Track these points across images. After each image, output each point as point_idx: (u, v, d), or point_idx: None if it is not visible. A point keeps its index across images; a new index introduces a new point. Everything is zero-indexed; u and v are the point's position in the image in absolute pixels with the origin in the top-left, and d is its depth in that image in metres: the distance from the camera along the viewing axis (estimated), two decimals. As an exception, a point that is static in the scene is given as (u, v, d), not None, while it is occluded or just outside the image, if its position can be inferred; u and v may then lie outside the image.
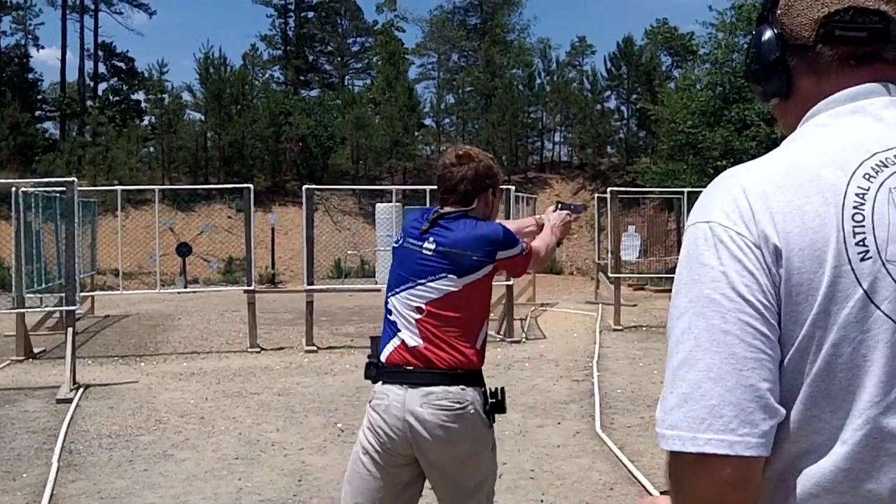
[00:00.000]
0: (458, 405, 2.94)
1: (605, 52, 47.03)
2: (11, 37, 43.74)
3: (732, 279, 1.12)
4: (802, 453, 1.13)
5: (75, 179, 9.97)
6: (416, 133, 35.90)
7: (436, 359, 2.98)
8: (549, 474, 5.88)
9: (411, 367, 3.00)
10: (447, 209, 3.16)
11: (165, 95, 34.55)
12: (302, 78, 46.21)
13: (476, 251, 3.05)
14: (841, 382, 1.11)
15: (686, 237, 1.21)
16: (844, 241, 1.11)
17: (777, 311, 1.12)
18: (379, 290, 18.34)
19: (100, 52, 43.42)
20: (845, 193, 1.13)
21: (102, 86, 43.61)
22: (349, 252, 26.33)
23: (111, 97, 41.22)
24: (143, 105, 39.43)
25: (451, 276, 3.04)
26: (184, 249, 23.27)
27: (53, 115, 42.75)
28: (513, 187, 13.57)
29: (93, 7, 43.51)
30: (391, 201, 22.55)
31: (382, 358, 3.05)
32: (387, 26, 44.40)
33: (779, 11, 1.29)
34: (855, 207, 1.12)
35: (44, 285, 13.43)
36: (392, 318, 3.10)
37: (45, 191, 13.76)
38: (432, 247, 3.08)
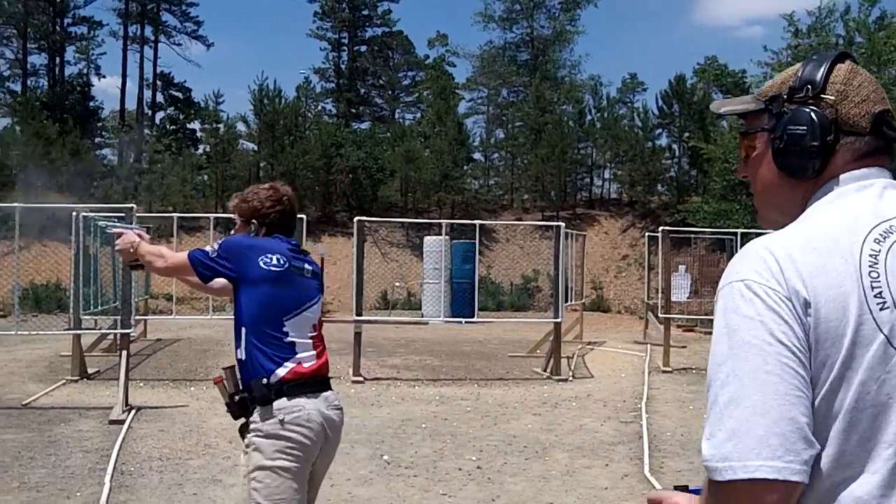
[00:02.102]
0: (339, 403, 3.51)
1: (657, 89, 46.99)
2: (75, 66, 44.86)
3: (770, 327, 1.28)
4: (836, 484, 1.28)
5: (134, 206, 10.19)
6: (465, 167, 36.01)
7: (323, 368, 3.48)
8: (595, 513, 5.85)
9: (308, 379, 3.37)
10: (295, 240, 3.61)
11: (220, 125, 35.09)
12: (353, 111, 46.73)
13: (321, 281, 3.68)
14: (868, 418, 1.27)
15: (721, 296, 1.37)
16: (865, 295, 1.29)
17: (808, 356, 1.28)
18: (426, 324, 18.47)
19: (158, 82, 44.34)
20: (860, 254, 1.32)
21: (160, 115, 44.50)
22: (396, 284, 26.46)
23: (168, 126, 41.97)
24: (198, 134, 40.09)
25: (320, 295, 3.63)
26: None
27: (112, 143, 43.61)
28: (562, 224, 13.55)
29: (152, 38, 44.50)
30: (439, 234, 22.68)
31: (273, 378, 3.31)
32: (438, 61, 44.75)
33: (830, 98, 1.46)
34: (870, 266, 1.31)
35: (99, 308, 13.67)
36: (288, 339, 3.38)
37: (104, 216, 14.05)
38: (310, 268, 3.56)
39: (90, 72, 45.03)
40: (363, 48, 48.27)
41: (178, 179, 31.86)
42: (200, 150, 37.93)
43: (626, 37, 75.60)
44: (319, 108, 44.45)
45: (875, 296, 1.29)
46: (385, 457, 7.45)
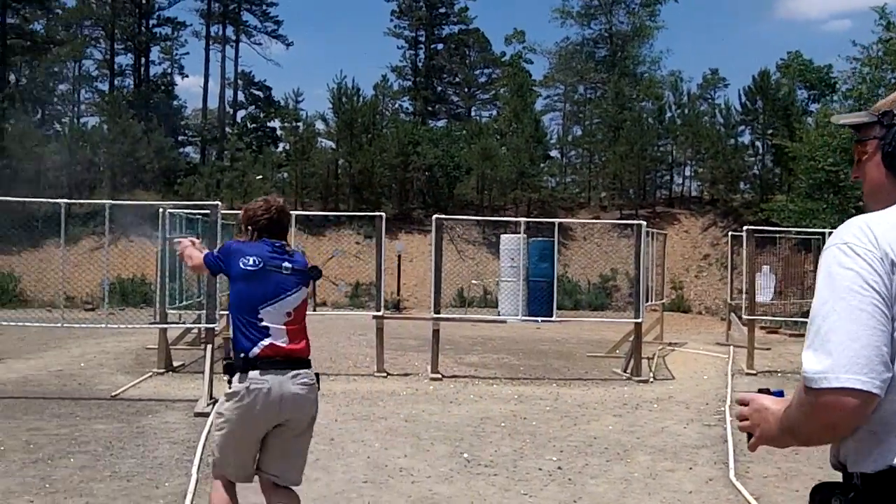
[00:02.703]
0: (312, 381, 4.36)
1: (739, 85, 46.13)
2: (159, 66, 45.93)
3: (865, 276, 1.70)
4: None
5: (219, 203, 10.39)
6: (542, 165, 35.79)
7: (297, 350, 4.32)
8: (679, 516, 5.78)
9: (280, 359, 4.24)
10: (281, 241, 4.51)
11: (300, 123, 35.49)
12: (430, 108, 46.85)
13: (309, 271, 4.56)
14: None
15: (825, 255, 1.79)
16: None
17: (892, 302, 1.69)
18: (504, 322, 18.45)
19: (239, 81, 45.08)
20: None
21: (241, 113, 45.27)
22: (473, 282, 26.47)
23: (249, 124, 42.66)
24: (278, 132, 40.65)
25: (303, 288, 4.47)
26: (315, 272, 23.77)
27: (195, 141, 44.52)
28: (644, 223, 13.38)
29: (234, 38, 45.23)
30: (516, 232, 22.63)
31: (251, 354, 4.22)
32: (514, 58, 44.61)
33: None
34: None
35: (184, 302, 13.96)
36: (263, 324, 4.25)
37: (188, 213, 14.34)
38: (290, 266, 4.40)
39: (174, 71, 46.05)
40: (440, 46, 48.36)
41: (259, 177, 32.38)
42: (280, 149, 38.45)
43: (707, 32, 74.28)
44: (396, 106, 44.72)
45: None
46: (465, 455, 7.47)
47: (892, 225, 1.76)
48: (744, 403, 2.00)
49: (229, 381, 4.30)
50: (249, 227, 4.52)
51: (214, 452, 4.48)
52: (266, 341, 4.23)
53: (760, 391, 2.01)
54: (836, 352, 1.66)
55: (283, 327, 4.29)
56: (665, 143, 36.39)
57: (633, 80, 39.64)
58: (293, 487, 4.46)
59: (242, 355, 4.23)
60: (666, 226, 29.61)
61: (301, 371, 4.31)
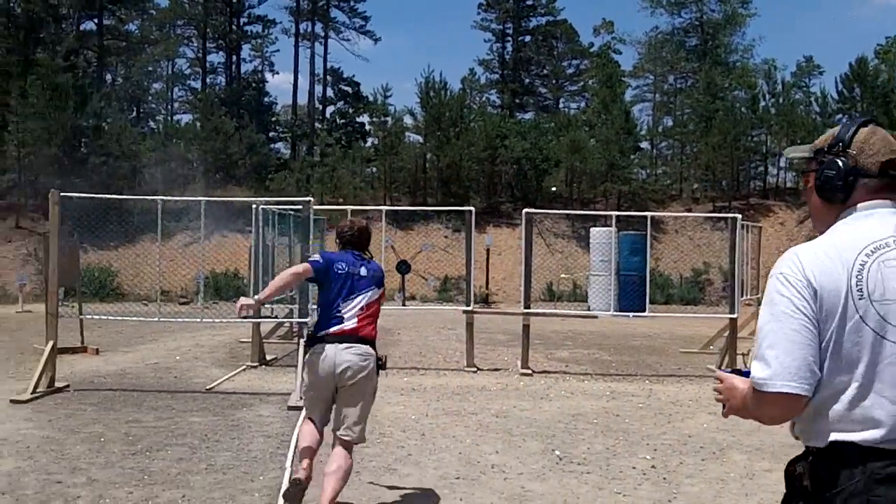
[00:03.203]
0: (364, 354, 5.47)
1: (835, 72, 44.88)
2: (250, 63, 46.82)
3: (796, 303, 2.17)
4: (828, 397, 2.16)
5: (311, 199, 10.46)
6: (632, 156, 35.35)
7: (359, 331, 5.49)
8: (780, 519, 5.60)
9: (342, 336, 5.46)
10: (360, 252, 5.82)
11: (388, 118, 35.74)
12: (517, 101, 46.72)
13: (382, 277, 5.83)
14: (847, 361, 2.14)
15: (768, 283, 2.26)
16: (850, 290, 2.15)
17: (816, 322, 2.15)
18: (596, 317, 18.26)
19: (328, 77, 45.64)
20: (853, 263, 2.18)
21: (330, 109, 45.84)
22: (562, 276, 26.28)
23: (338, 120, 43.17)
24: (367, 127, 41.00)
25: (375, 289, 5.68)
26: (404, 267, 23.95)
27: (285, 136, 45.23)
28: (739, 216, 13.07)
29: (323, 35, 45.79)
30: (606, 226, 22.37)
31: (322, 333, 5.51)
32: (603, 49, 44.17)
33: (853, 151, 2.32)
34: (858, 272, 2.17)
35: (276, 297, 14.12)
36: (339, 313, 5.51)
37: (280, 208, 14.52)
38: (366, 273, 5.67)
39: (264, 68, 46.91)
40: (527, 38, 48.16)
41: (348, 171, 32.68)
42: (369, 143, 38.76)
43: (800, 18, 72.52)
44: (484, 99, 44.68)
45: (857, 291, 2.16)
46: (557, 452, 7.38)
47: (816, 255, 2.23)
48: (719, 380, 2.43)
49: (306, 348, 5.84)
50: (338, 240, 5.94)
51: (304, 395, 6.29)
52: (337, 326, 5.50)
53: (733, 371, 2.45)
54: (774, 364, 2.17)
55: (355, 317, 5.54)
56: (759, 132, 35.61)
57: (725, 69, 38.88)
58: (349, 446, 5.58)
59: (315, 334, 5.60)
60: (760, 218, 28.97)
61: (355, 344, 5.45)
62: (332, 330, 5.45)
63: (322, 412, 5.66)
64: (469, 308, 12.37)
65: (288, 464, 6.68)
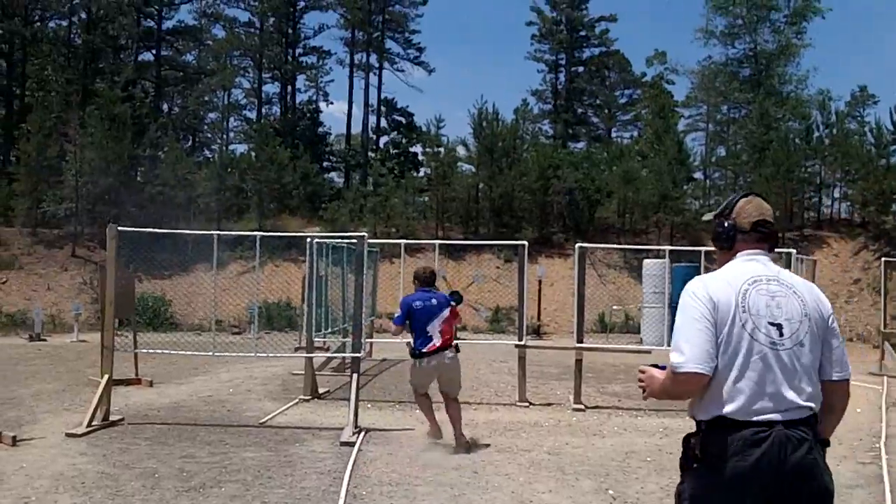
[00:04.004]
0: (454, 354, 9.00)
1: (890, 102, 44.20)
2: (305, 93, 47.44)
3: (702, 311, 3.14)
4: (716, 382, 3.10)
5: (365, 234, 10.51)
6: (685, 187, 35.04)
7: (444, 343, 8.82)
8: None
9: (436, 350, 8.80)
10: (430, 287, 9.17)
11: (441, 149, 35.84)
12: (570, 131, 46.68)
13: (448, 298, 9.23)
14: (731, 355, 3.11)
15: (682, 297, 3.22)
16: (737, 306, 3.14)
17: (715, 325, 3.11)
18: (649, 352, 18.02)
19: (382, 108, 45.99)
20: (740, 288, 3.19)
21: (384, 139, 46.18)
22: (614, 307, 26.07)
23: (391, 150, 43.45)
24: (420, 157, 41.19)
25: (447, 309, 8.90)
26: (456, 297, 23.87)
27: (339, 166, 45.63)
28: (794, 251, 12.87)
29: (377, 66, 46.21)
30: (658, 257, 22.17)
31: (423, 349, 8.78)
32: (656, 79, 43.99)
33: (733, 214, 3.41)
34: (743, 295, 3.17)
35: (329, 329, 14.18)
36: (428, 334, 8.76)
37: (336, 243, 14.59)
38: (436, 301, 8.89)
39: (318, 98, 47.43)
40: (580, 69, 48.19)
41: (401, 201, 32.81)
42: (422, 173, 38.91)
43: (855, 48, 71.62)
44: (536, 129, 44.69)
45: (742, 307, 3.15)
46: (610, 491, 7.28)
47: (716, 281, 3.29)
48: (642, 371, 3.38)
49: (413, 359, 9.00)
50: (416, 280, 9.23)
51: (413, 383, 9.25)
52: (430, 344, 8.83)
53: (652, 366, 3.36)
54: (686, 352, 3.13)
55: (439, 333, 8.86)
56: (813, 163, 35.11)
57: (779, 100, 38.45)
58: (456, 399, 9.11)
59: (418, 351, 8.84)
60: (814, 249, 28.52)
61: (447, 350, 8.92)
62: (427, 347, 8.79)
63: (427, 389, 9.22)
64: (521, 343, 12.31)
65: (341, 502, 6.66)
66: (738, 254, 3.40)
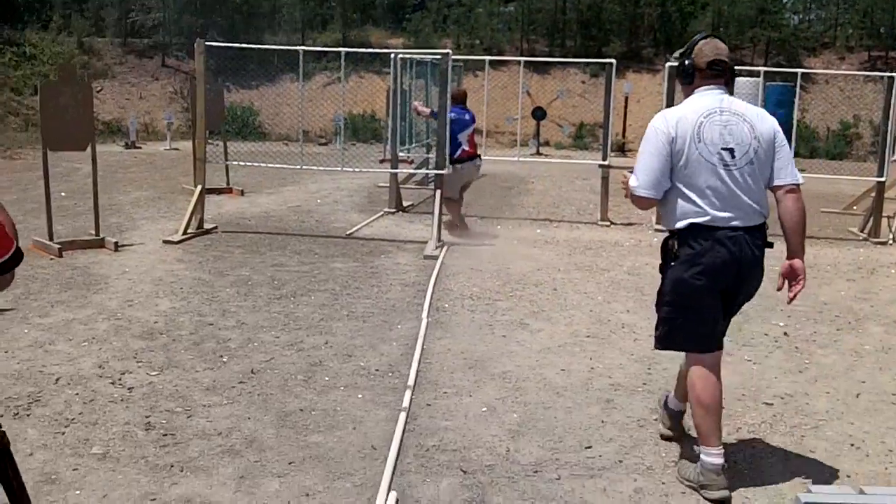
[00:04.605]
0: (479, 163, 11.11)
1: None
2: None
3: (661, 140, 3.90)
4: (683, 200, 3.92)
5: (450, 51, 10.41)
6: (785, 0, 33.40)
7: (471, 153, 10.80)
8: (914, 395, 5.54)
9: (467, 155, 10.74)
10: (463, 104, 10.76)
11: (529, -44, 34.52)
12: (666, -63, 44.39)
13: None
14: (691, 178, 3.89)
15: (647, 130, 3.99)
16: (693, 136, 3.86)
17: (671, 157, 3.89)
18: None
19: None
20: (696, 121, 3.89)
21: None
22: (701, 125, 25.51)
23: (477, -43, 41.98)
24: (506, -34, 39.81)
25: (472, 124, 10.79)
26: (539, 113, 23.71)
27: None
28: (895, 74, 12.33)
29: None
30: (752, 75, 21.45)
31: (456, 155, 10.57)
32: None
33: (693, 55, 4.01)
34: (698, 126, 3.88)
35: (413, 143, 14.26)
36: (458, 142, 10.52)
37: (420, 58, 14.47)
38: (468, 117, 10.71)
39: None
40: None
41: (485, 13, 32.00)
42: (508, -17, 37.73)
43: None
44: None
45: (696, 137, 3.86)
46: (688, 313, 7.40)
47: (675, 115, 3.96)
48: (625, 177, 4.10)
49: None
50: (451, 101, 10.19)
51: (446, 188, 10.41)
52: (461, 150, 10.36)
53: (633, 172, 4.07)
54: (640, 179, 3.97)
55: (467, 142, 10.45)
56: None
57: None
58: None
59: (455, 156, 10.27)
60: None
61: (477, 159, 10.69)
62: (460, 153, 10.34)
63: (458, 193, 10.67)
64: (605, 163, 12.26)
65: (424, 314, 6.94)
66: (697, 89, 4.05)
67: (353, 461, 4.24)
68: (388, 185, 12.79)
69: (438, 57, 10.86)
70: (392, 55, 11.81)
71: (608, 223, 11.92)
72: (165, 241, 9.61)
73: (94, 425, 4.59)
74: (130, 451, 4.28)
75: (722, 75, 4.02)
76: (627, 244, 10.56)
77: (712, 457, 3.97)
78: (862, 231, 11.75)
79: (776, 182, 4.00)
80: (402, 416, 4.76)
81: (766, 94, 19.50)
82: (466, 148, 10.40)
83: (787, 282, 4.13)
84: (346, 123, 20.12)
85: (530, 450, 4.44)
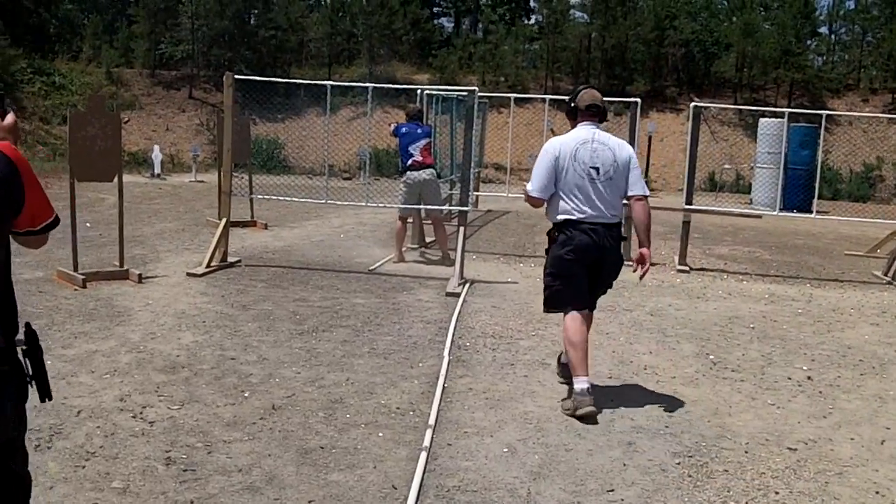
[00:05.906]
0: (432, 175, 11.40)
1: None
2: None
3: (549, 158, 5.72)
4: (562, 201, 5.71)
5: (476, 88, 10.47)
6: (809, 42, 33.38)
7: (423, 162, 11.27)
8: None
9: (418, 165, 11.21)
10: (418, 122, 11.49)
11: (554, -4, 34.76)
12: (691, -22, 44.59)
13: (430, 130, 12.03)
14: (570, 186, 5.67)
15: (541, 151, 5.87)
16: (571, 158, 5.67)
17: (555, 171, 5.69)
18: (760, 216, 17.73)
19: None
20: (574, 147, 5.70)
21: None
22: (725, 166, 25.53)
23: (504, -4, 42.34)
24: (531, 4, 40.11)
25: (427, 139, 11.30)
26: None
27: (449, 11, 44.80)
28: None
29: None
30: (775, 117, 21.47)
31: (409, 163, 11.33)
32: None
33: (577, 99, 5.85)
34: (575, 150, 5.68)
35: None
36: (409, 154, 11.22)
37: (446, 93, 14.55)
38: (421, 131, 11.28)
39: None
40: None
41: (511, 50, 32.22)
42: (533, 21, 38.01)
43: None
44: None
45: (573, 157, 5.66)
46: (711, 356, 7.37)
47: (562, 141, 5.75)
48: (523, 186, 5.80)
49: (400, 176, 11.31)
50: (407, 117, 11.49)
51: (399, 206, 11.37)
52: (412, 159, 10.96)
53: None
54: (534, 183, 5.74)
55: (419, 153, 10.98)
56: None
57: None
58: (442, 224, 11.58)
59: (402, 165, 11.13)
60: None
61: (428, 170, 11.04)
62: (409, 162, 10.95)
63: (410, 214, 11.46)
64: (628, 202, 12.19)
65: (446, 352, 6.93)
66: (579, 124, 5.81)
67: (373, 500, 4.22)
68: (411, 220, 12.81)
69: (465, 94, 10.91)
70: (418, 91, 11.95)
71: (631, 262, 11.83)
72: (189, 274, 9.66)
73: (114, 459, 4.60)
74: (150, 487, 4.28)
75: (596, 115, 5.81)
76: (650, 284, 10.49)
77: (580, 382, 5.56)
78: (886, 274, 11.66)
79: (630, 193, 5.72)
80: (423, 455, 4.75)
81: (790, 135, 19.50)
82: (418, 158, 11.00)
83: (639, 266, 5.85)
84: (370, 157, 20.23)
85: (552, 492, 4.41)
